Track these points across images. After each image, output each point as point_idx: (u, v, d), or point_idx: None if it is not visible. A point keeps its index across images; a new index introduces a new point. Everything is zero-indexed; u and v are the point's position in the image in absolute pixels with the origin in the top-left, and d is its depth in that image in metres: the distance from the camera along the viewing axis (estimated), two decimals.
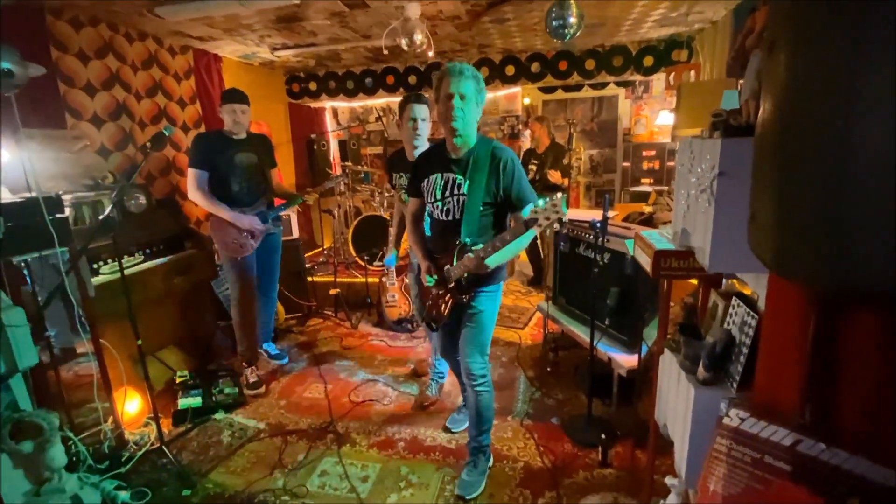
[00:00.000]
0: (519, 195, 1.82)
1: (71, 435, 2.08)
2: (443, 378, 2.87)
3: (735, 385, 1.23)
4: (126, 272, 2.26)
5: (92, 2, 2.91)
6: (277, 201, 3.08)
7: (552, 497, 2.03)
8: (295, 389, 3.04)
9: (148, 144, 2.18)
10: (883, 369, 0.75)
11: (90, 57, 3.19)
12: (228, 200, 2.80)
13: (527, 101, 6.52)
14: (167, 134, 2.24)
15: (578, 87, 5.84)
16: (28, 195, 2.03)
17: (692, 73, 4.30)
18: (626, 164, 6.46)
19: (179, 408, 2.67)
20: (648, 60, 4.69)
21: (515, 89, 6.04)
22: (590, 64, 4.84)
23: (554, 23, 3.07)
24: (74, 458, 2.07)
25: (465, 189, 1.84)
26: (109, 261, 2.65)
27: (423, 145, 2.43)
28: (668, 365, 1.51)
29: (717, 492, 0.96)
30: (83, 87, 3.16)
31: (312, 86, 5.60)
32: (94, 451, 2.21)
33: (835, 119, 0.60)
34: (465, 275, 1.87)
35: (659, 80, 5.68)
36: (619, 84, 5.97)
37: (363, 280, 4.30)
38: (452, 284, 1.92)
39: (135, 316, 2.22)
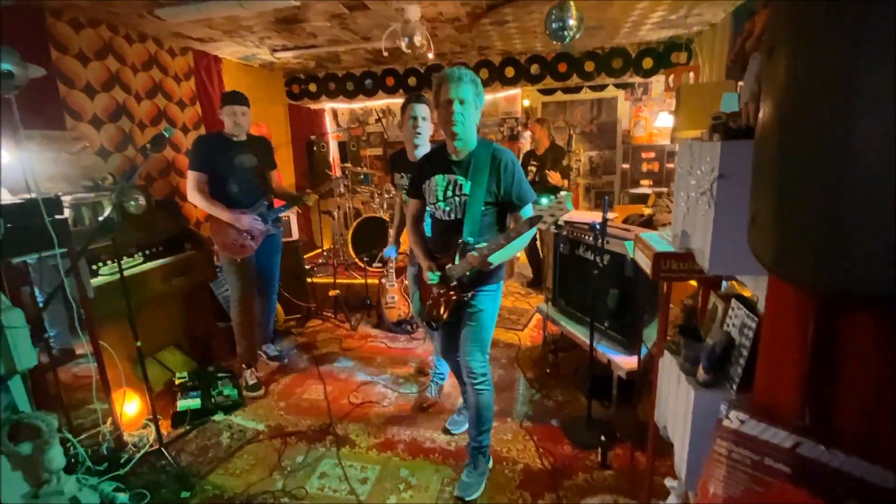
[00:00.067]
0: (519, 195, 1.87)
1: (70, 436, 2.07)
2: (443, 379, 2.87)
3: (735, 387, 1.23)
4: (125, 273, 2.25)
5: (92, 3, 2.91)
6: (277, 202, 3.08)
7: (552, 499, 2.03)
8: (294, 391, 3.03)
9: (148, 146, 2.18)
10: (883, 369, 0.75)
11: (90, 58, 3.19)
12: (228, 202, 2.80)
13: (526, 102, 6.53)
14: (167, 135, 2.24)
15: (578, 89, 5.86)
16: (27, 196, 2.03)
17: (691, 75, 4.31)
18: (625, 165, 6.47)
19: (178, 409, 2.66)
20: (648, 62, 4.70)
21: (515, 91, 6.05)
22: (589, 66, 4.85)
23: (553, 25, 3.07)
24: (73, 460, 2.07)
25: (466, 189, 1.88)
26: (109, 262, 2.65)
27: (423, 144, 2.44)
28: (668, 367, 1.51)
29: (718, 494, 0.96)
30: (83, 89, 3.16)
31: (312, 87, 5.61)
32: (92, 453, 2.21)
33: (835, 120, 0.60)
34: (467, 273, 1.90)
35: (658, 82, 5.70)
36: (618, 86, 5.98)
37: (363, 281, 4.30)
38: (454, 283, 1.94)
39: (134, 317, 2.22)
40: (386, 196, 4.64)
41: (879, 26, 0.55)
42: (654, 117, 6.16)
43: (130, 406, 2.60)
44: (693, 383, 1.31)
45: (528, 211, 1.89)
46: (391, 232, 3.10)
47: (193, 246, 3.25)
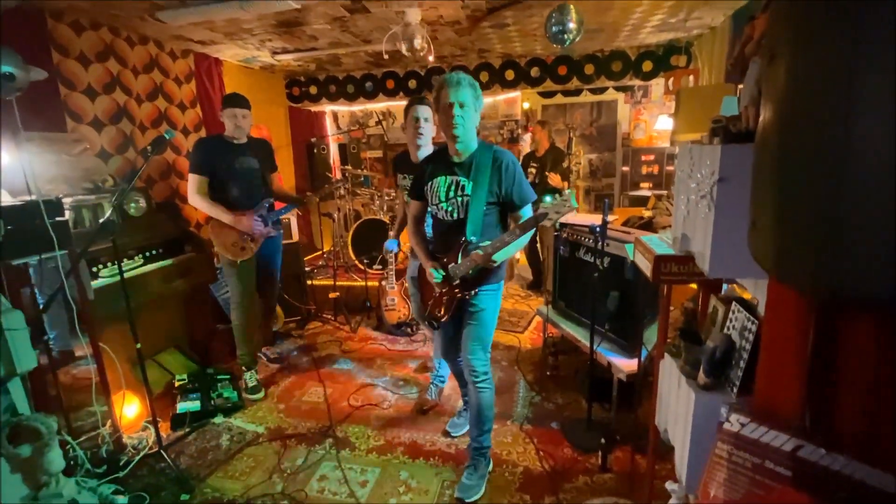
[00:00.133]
0: (520, 195, 1.93)
1: (69, 439, 2.07)
2: (443, 382, 2.87)
3: (735, 390, 1.23)
4: (125, 275, 2.25)
5: (93, 6, 2.92)
6: (278, 205, 3.08)
7: (552, 502, 2.03)
8: (294, 393, 3.03)
9: (148, 148, 2.18)
10: (883, 369, 0.75)
11: (91, 60, 3.20)
12: (228, 205, 2.80)
13: (526, 105, 6.54)
14: (167, 137, 2.25)
15: (578, 92, 5.87)
16: (28, 198, 2.04)
17: (691, 78, 4.32)
18: (625, 168, 6.48)
19: (178, 412, 2.66)
20: (647, 65, 4.71)
21: (515, 94, 6.06)
22: (589, 69, 4.86)
23: (553, 28, 3.09)
24: (72, 463, 2.06)
25: (468, 190, 1.92)
26: (109, 264, 2.65)
27: (426, 146, 2.47)
28: (669, 370, 1.51)
29: (718, 497, 0.96)
30: (84, 91, 3.16)
31: (313, 90, 5.62)
32: (92, 456, 2.21)
33: (835, 120, 0.60)
34: (469, 272, 1.93)
35: (658, 84, 5.70)
36: (618, 89, 5.99)
37: (363, 284, 4.30)
38: (457, 282, 1.97)
39: (134, 319, 2.22)
40: (386, 198, 4.64)
41: (879, 26, 0.56)
42: (654, 120, 6.17)
43: (130, 408, 2.60)
44: (693, 386, 1.31)
45: (527, 211, 1.94)
46: (394, 227, 3.13)
47: (193, 248, 3.25)
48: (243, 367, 3.02)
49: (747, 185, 0.82)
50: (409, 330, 3.88)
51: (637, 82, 5.16)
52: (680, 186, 1.37)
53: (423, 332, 3.83)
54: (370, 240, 4.41)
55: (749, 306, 1.31)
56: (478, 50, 4.65)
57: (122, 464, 2.26)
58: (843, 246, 0.61)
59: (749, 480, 0.91)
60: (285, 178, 5.40)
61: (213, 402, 2.77)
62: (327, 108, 6.44)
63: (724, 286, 1.61)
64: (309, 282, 4.38)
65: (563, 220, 2.49)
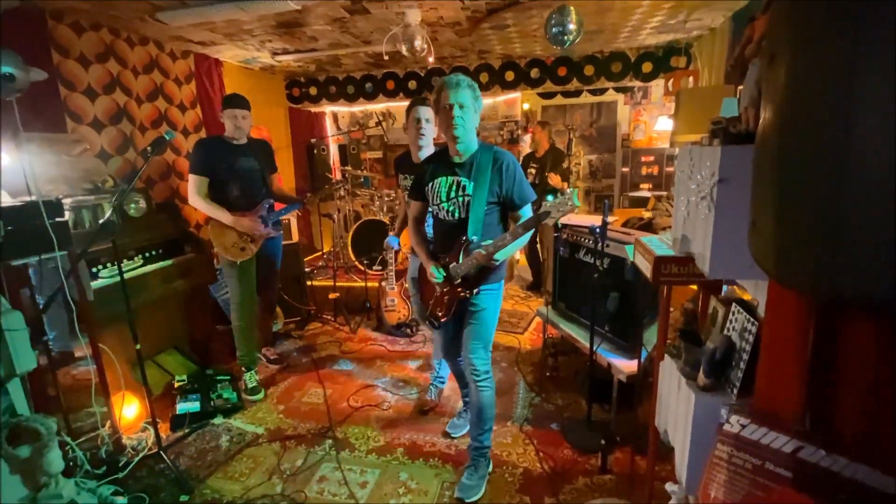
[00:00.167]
0: (521, 195, 1.96)
1: (68, 440, 2.07)
2: (443, 383, 2.87)
3: (735, 391, 1.23)
4: (125, 276, 2.25)
5: (93, 6, 2.92)
6: (278, 205, 3.08)
7: (552, 503, 2.02)
8: (294, 394, 3.03)
9: (148, 148, 2.18)
10: (883, 369, 0.75)
11: (91, 61, 3.20)
12: (228, 206, 2.80)
13: (526, 106, 6.55)
14: (167, 138, 2.25)
15: (577, 93, 5.87)
16: (28, 199, 2.04)
17: (691, 79, 4.33)
18: (624, 169, 6.49)
19: (178, 412, 2.66)
20: (647, 67, 4.72)
21: (515, 95, 6.07)
22: (589, 70, 4.86)
23: (553, 29, 3.09)
24: (72, 464, 2.06)
25: (469, 190, 1.94)
26: (109, 264, 2.65)
27: (427, 146, 2.49)
28: (669, 371, 1.51)
29: (718, 498, 0.96)
30: (84, 91, 3.16)
31: (313, 90, 5.62)
32: (91, 456, 2.21)
33: (835, 120, 0.60)
34: (471, 271, 1.95)
35: (658, 86, 5.71)
36: (617, 90, 6.00)
37: (362, 284, 4.30)
38: (459, 281, 1.98)
39: (133, 320, 2.21)
40: (386, 199, 4.65)
41: (879, 26, 0.56)
42: (654, 121, 6.18)
43: (129, 409, 2.59)
44: (693, 387, 1.31)
45: (527, 211, 1.97)
46: (395, 225, 3.15)
47: (193, 249, 3.24)
48: (243, 368, 3.02)
49: (747, 187, 0.82)
50: (408, 331, 3.88)
51: (637, 83, 5.17)
52: (680, 187, 1.37)
53: (423, 332, 3.83)
54: (370, 240, 4.41)
55: (749, 307, 1.31)
56: (478, 51, 4.65)
57: (121, 465, 2.25)
58: (843, 246, 0.61)
59: (749, 482, 0.91)
60: (285, 178, 5.40)
61: (212, 403, 2.77)
62: (327, 108, 6.44)
63: (724, 287, 1.61)
64: (309, 282, 4.38)
65: (563, 220, 2.50)
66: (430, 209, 2.13)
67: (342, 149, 6.55)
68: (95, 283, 2.50)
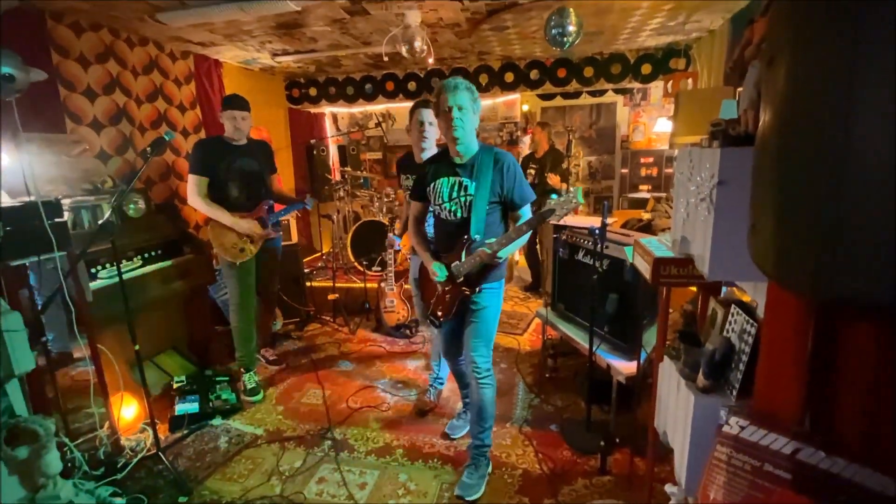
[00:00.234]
0: (521, 195, 1.99)
1: (67, 441, 2.06)
2: (442, 384, 2.87)
3: (735, 393, 1.23)
4: (124, 277, 2.25)
5: (93, 7, 2.92)
6: (277, 206, 3.08)
7: None
8: (293, 395, 3.02)
9: (148, 149, 2.18)
10: (883, 369, 0.75)
11: (91, 62, 3.20)
12: (228, 206, 2.79)
13: (525, 107, 6.55)
14: (167, 139, 2.25)
15: (577, 95, 5.88)
16: (27, 199, 2.03)
17: (690, 81, 4.34)
18: (624, 170, 6.49)
19: (176, 413, 2.65)
20: (646, 68, 4.72)
21: (514, 96, 6.07)
22: (588, 71, 4.87)
23: (553, 31, 3.10)
24: (70, 465, 2.05)
25: (471, 190, 1.96)
26: (108, 265, 2.65)
27: (430, 147, 2.51)
28: (668, 372, 1.51)
29: (718, 500, 0.96)
30: (83, 92, 3.16)
31: (312, 91, 5.63)
32: (89, 458, 2.20)
33: (835, 120, 0.60)
34: (473, 270, 1.98)
35: (657, 87, 5.72)
36: (617, 91, 6.01)
37: (362, 285, 4.30)
38: (461, 279, 2.00)
39: (132, 321, 2.21)
40: (385, 200, 4.65)
41: (879, 26, 0.56)
42: (653, 123, 6.19)
43: (128, 410, 2.59)
44: (693, 389, 1.31)
45: (527, 210, 2.01)
46: (398, 224, 3.15)
47: (192, 249, 3.24)
48: (242, 369, 3.02)
49: (746, 188, 0.82)
50: (408, 332, 3.88)
51: (636, 85, 5.17)
52: (679, 189, 1.37)
53: (422, 333, 3.82)
54: (369, 241, 4.42)
55: (748, 309, 1.31)
56: (477, 52, 4.66)
57: (119, 466, 2.25)
58: (843, 247, 0.61)
59: (748, 483, 0.91)
60: (285, 179, 5.40)
61: (211, 404, 2.76)
62: (327, 109, 6.45)
63: (724, 289, 1.61)
64: (308, 283, 4.37)
65: (562, 221, 2.50)
66: (431, 209, 2.14)
67: (342, 150, 6.55)
68: (94, 284, 2.50)
